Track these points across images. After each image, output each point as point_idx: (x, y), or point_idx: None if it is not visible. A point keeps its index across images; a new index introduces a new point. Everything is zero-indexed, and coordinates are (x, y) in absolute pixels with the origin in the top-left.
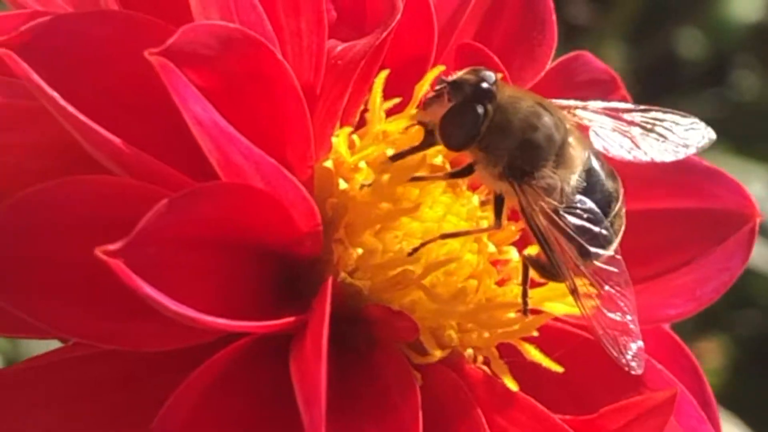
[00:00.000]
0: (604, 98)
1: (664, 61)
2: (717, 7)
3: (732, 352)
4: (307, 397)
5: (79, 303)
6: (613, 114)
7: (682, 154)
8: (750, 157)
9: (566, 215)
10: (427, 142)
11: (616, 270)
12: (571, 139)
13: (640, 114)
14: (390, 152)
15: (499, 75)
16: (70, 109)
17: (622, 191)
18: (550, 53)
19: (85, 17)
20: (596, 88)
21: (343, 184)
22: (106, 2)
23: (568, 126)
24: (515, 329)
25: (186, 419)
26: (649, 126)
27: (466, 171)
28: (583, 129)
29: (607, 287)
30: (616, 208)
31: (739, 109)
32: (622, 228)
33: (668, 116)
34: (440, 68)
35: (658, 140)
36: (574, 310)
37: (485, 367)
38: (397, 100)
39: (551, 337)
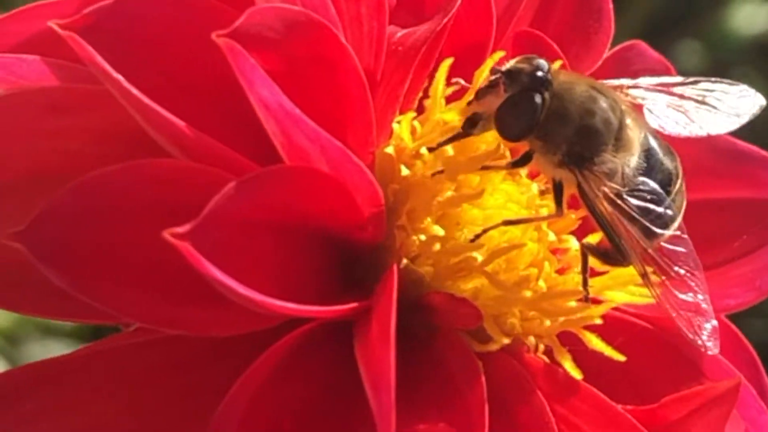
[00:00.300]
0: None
1: None
2: (718, 20)
3: None
4: (376, 382)
5: (143, 287)
6: (665, 89)
7: (735, 124)
8: None
9: (629, 198)
10: (473, 131)
11: (684, 250)
12: (628, 121)
13: (690, 87)
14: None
15: (558, 63)
16: (135, 91)
17: (680, 168)
18: (607, 42)
19: (147, 0)
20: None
21: (404, 170)
22: None
23: (623, 107)
24: (578, 317)
25: (249, 404)
26: (700, 98)
27: (525, 159)
28: (637, 108)
29: (676, 268)
30: (677, 186)
31: None
32: (684, 205)
33: (717, 86)
34: (500, 54)
35: (710, 112)
36: (635, 299)
37: (544, 357)
38: (456, 87)
39: (610, 326)
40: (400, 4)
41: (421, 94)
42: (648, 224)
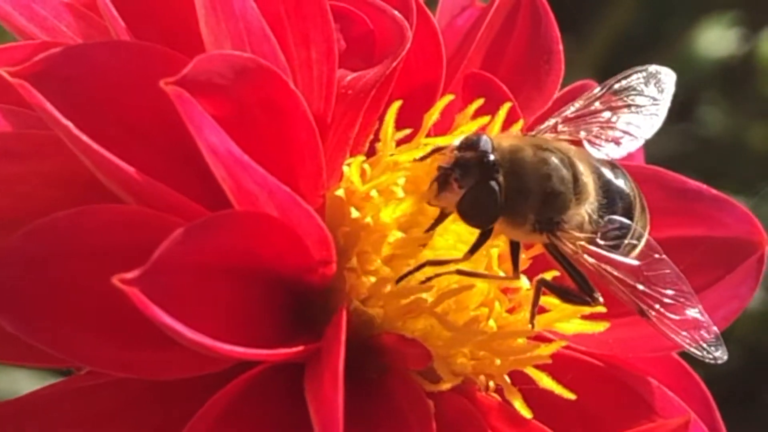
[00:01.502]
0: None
1: None
2: (684, 45)
3: (709, 387)
4: (325, 424)
5: (94, 331)
6: (589, 113)
7: (661, 116)
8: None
9: (602, 242)
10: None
11: (668, 271)
12: (580, 167)
13: (608, 95)
14: (401, 180)
15: (507, 105)
16: (84, 138)
17: (634, 184)
18: (557, 82)
19: (98, 47)
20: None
21: (354, 213)
22: (117, 33)
23: (570, 154)
24: (528, 356)
25: None
26: (623, 104)
27: (485, 237)
28: (577, 144)
29: (667, 291)
30: (638, 205)
31: (705, 144)
32: (647, 221)
33: (631, 80)
34: (449, 97)
35: (638, 114)
36: (585, 328)
37: (496, 395)
38: (408, 131)
39: (561, 365)
40: (350, 48)
41: (372, 137)
42: (623, 260)
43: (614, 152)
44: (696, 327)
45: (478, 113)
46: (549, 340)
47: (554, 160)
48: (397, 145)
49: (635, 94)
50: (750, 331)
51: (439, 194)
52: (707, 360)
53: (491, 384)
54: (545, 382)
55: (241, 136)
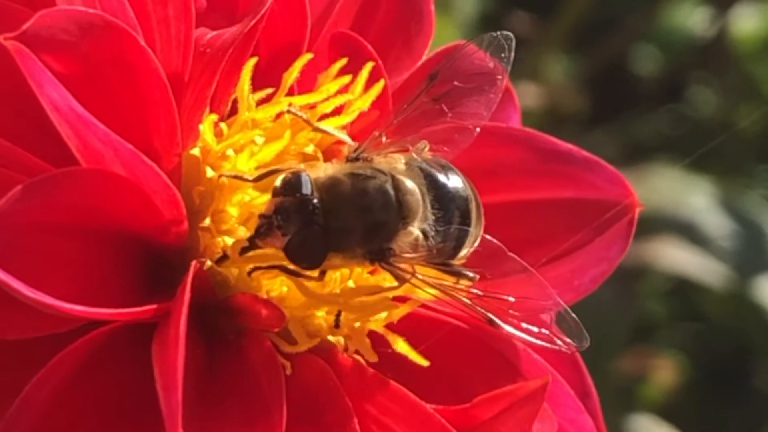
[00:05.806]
0: (487, 89)
1: (614, 75)
2: (657, 23)
3: (687, 370)
4: (166, 382)
5: None
6: (419, 113)
7: (498, 92)
8: (697, 170)
9: (439, 257)
10: None
11: (508, 271)
12: (407, 184)
13: (434, 91)
14: (260, 140)
15: (370, 64)
16: None
17: (468, 184)
18: (427, 43)
19: None
20: (479, 79)
21: (210, 172)
22: None
23: (395, 172)
24: (381, 317)
25: (44, 408)
26: (448, 90)
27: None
28: (404, 152)
29: (509, 298)
30: (474, 206)
31: (695, 125)
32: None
33: (455, 63)
34: (308, 56)
35: (468, 96)
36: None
37: (359, 357)
38: (269, 90)
39: (425, 327)
40: (211, 5)
41: (234, 96)
42: (465, 272)
43: (450, 149)
44: (542, 325)
45: (342, 73)
46: (406, 300)
47: (373, 189)
48: (259, 106)
49: (470, 73)
50: (724, 314)
51: (265, 239)
52: (567, 350)
53: (351, 347)
54: (400, 346)
55: (91, 95)
